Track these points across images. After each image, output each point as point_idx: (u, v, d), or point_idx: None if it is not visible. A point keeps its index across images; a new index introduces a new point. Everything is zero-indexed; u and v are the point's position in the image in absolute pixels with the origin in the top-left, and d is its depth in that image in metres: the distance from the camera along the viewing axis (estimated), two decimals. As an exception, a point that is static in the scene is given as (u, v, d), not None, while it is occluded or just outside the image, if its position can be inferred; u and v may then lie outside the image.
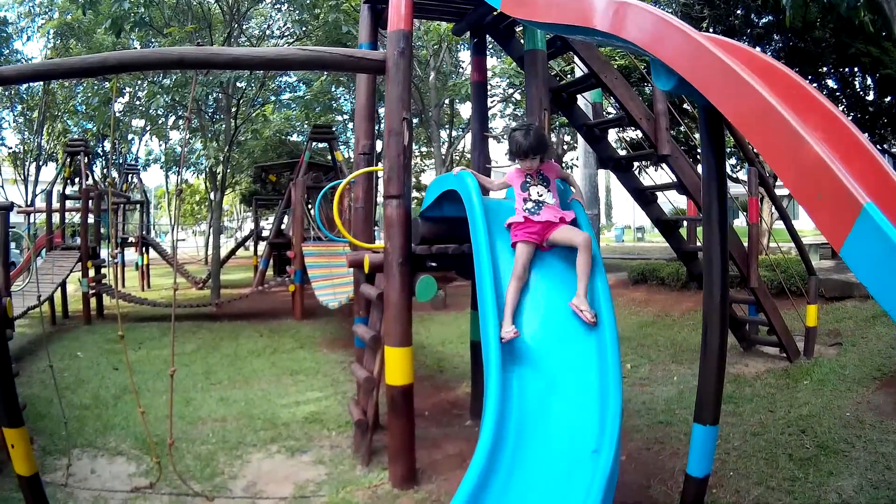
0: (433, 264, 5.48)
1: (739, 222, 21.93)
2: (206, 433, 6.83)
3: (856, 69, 14.57)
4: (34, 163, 26.34)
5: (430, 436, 6.22)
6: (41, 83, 21.19)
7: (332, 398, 7.85)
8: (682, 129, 13.80)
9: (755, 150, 8.22)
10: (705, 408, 3.28)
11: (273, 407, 7.65)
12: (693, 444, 3.36)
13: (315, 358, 9.65)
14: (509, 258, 4.13)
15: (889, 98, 14.55)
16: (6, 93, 23.73)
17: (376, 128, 7.96)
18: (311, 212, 13.50)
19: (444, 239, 5.33)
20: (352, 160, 12.90)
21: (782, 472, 4.72)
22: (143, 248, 20.31)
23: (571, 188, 4.56)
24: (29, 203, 24.63)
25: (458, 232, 5.02)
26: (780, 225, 10.25)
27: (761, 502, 4.36)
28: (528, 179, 4.30)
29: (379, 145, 10.96)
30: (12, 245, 13.13)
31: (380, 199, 10.59)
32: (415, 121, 21.86)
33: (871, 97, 15.22)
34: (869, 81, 15.06)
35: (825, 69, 14.63)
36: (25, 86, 22.57)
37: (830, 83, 15.32)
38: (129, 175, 25.00)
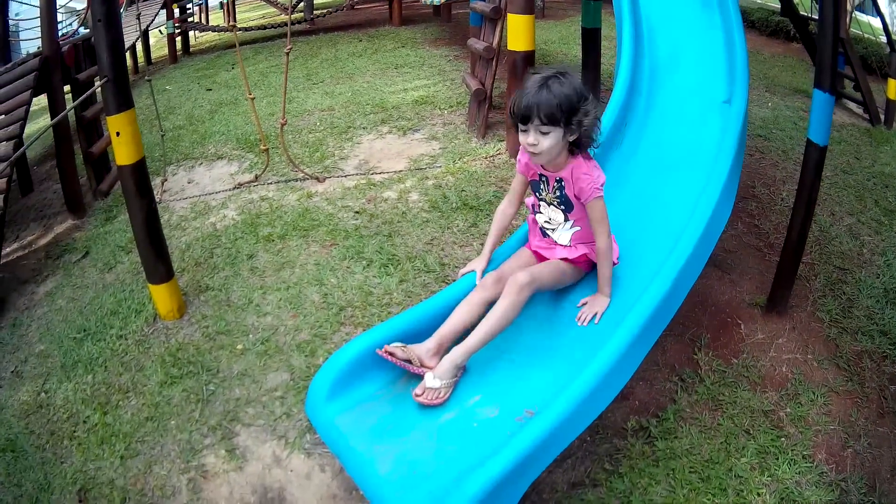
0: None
1: None
2: (313, 122, 6.63)
3: None
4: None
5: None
6: None
7: (441, 84, 7.49)
8: None
9: None
10: (824, 74, 3.13)
11: (380, 94, 7.33)
12: (814, 109, 3.19)
13: (418, 54, 9.21)
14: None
15: None
16: None
17: None
18: None
19: None
20: None
21: (870, 213, 4.74)
22: (228, -15, 19.53)
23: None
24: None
25: None
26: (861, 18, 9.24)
27: (854, 231, 4.45)
28: (542, 179, 2.74)
29: None
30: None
31: None
32: None
33: None
34: None
35: None
36: None
37: None
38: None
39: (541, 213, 2.81)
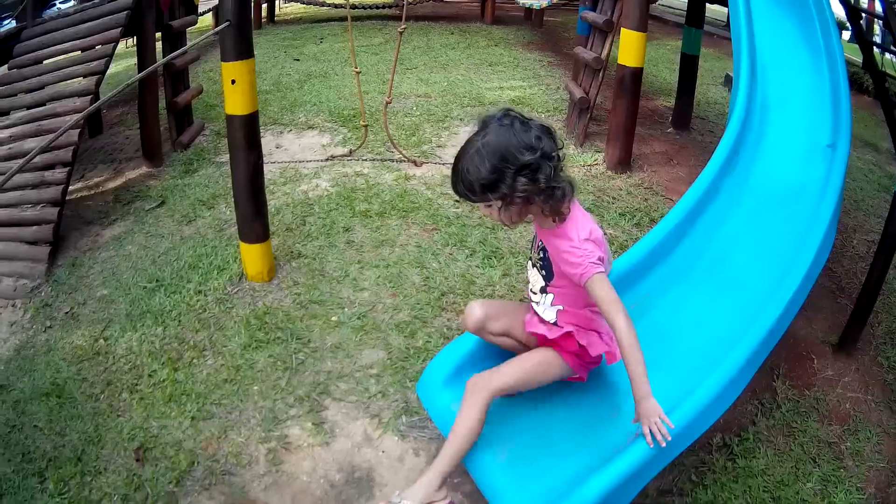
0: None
1: None
2: (409, 106, 6.70)
3: None
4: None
5: (636, 133, 5.86)
6: None
7: (536, 88, 7.55)
8: None
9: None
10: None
11: (477, 89, 7.39)
12: None
13: (512, 55, 9.27)
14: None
15: None
16: None
17: None
18: None
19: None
20: None
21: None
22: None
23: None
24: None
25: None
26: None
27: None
28: (533, 240, 2.40)
29: None
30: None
31: None
32: None
33: None
34: None
35: None
36: None
37: None
38: None
39: (529, 276, 2.40)
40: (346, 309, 3.49)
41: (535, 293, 2.36)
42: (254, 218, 3.63)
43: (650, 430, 2.08)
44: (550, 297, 2.30)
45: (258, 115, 3.55)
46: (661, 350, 2.75)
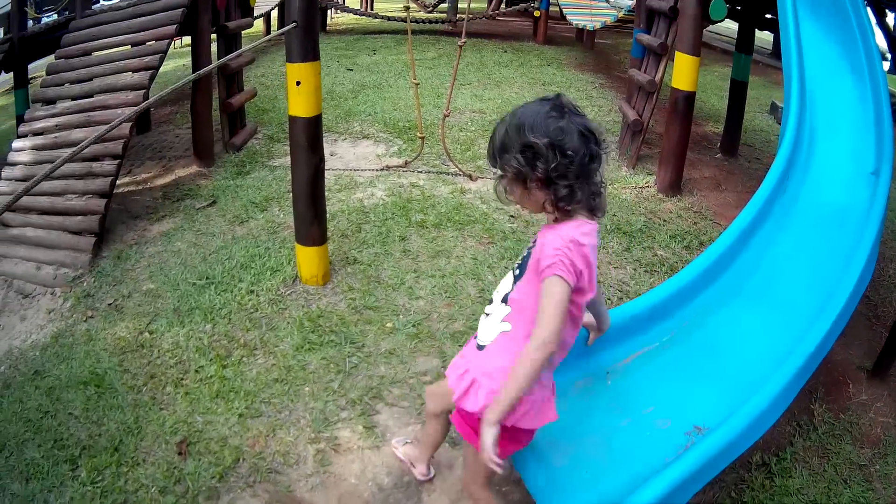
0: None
1: None
2: (464, 121, 6.80)
3: None
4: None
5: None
6: None
7: (589, 108, 7.66)
8: None
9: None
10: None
11: None
12: None
13: (564, 75, 9.41)
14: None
15: None
16: None
17: None
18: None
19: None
20: None
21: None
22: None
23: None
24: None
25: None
26: None
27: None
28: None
29: None
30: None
31: None
32: None
33: None
34: None
35: None
36: None
37: None
38: None
39: (504, 279, 2.15)
40: (401, 316, 3.55)
41: (492, 303, 2.10)
42: (312, 221, 3.71)
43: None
44: (507, 310, 2.03)
45: (321, 119, 3.63)
46: (710, 366, 2.92)
